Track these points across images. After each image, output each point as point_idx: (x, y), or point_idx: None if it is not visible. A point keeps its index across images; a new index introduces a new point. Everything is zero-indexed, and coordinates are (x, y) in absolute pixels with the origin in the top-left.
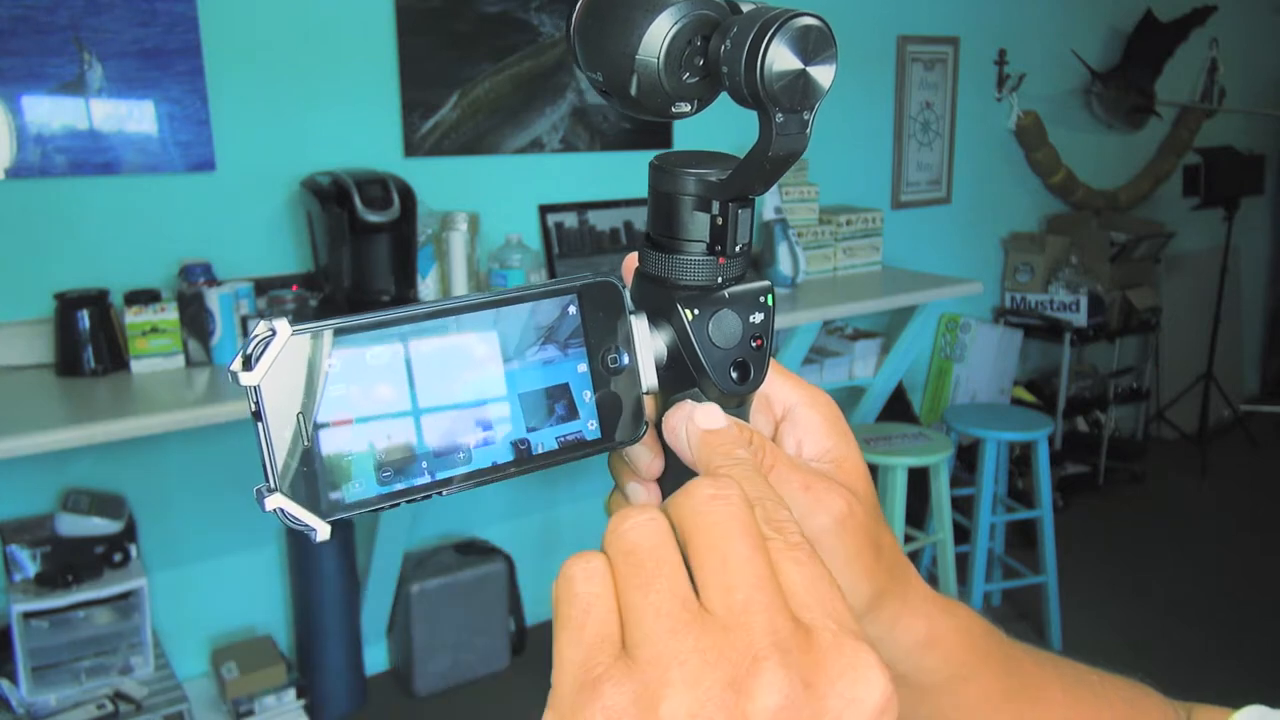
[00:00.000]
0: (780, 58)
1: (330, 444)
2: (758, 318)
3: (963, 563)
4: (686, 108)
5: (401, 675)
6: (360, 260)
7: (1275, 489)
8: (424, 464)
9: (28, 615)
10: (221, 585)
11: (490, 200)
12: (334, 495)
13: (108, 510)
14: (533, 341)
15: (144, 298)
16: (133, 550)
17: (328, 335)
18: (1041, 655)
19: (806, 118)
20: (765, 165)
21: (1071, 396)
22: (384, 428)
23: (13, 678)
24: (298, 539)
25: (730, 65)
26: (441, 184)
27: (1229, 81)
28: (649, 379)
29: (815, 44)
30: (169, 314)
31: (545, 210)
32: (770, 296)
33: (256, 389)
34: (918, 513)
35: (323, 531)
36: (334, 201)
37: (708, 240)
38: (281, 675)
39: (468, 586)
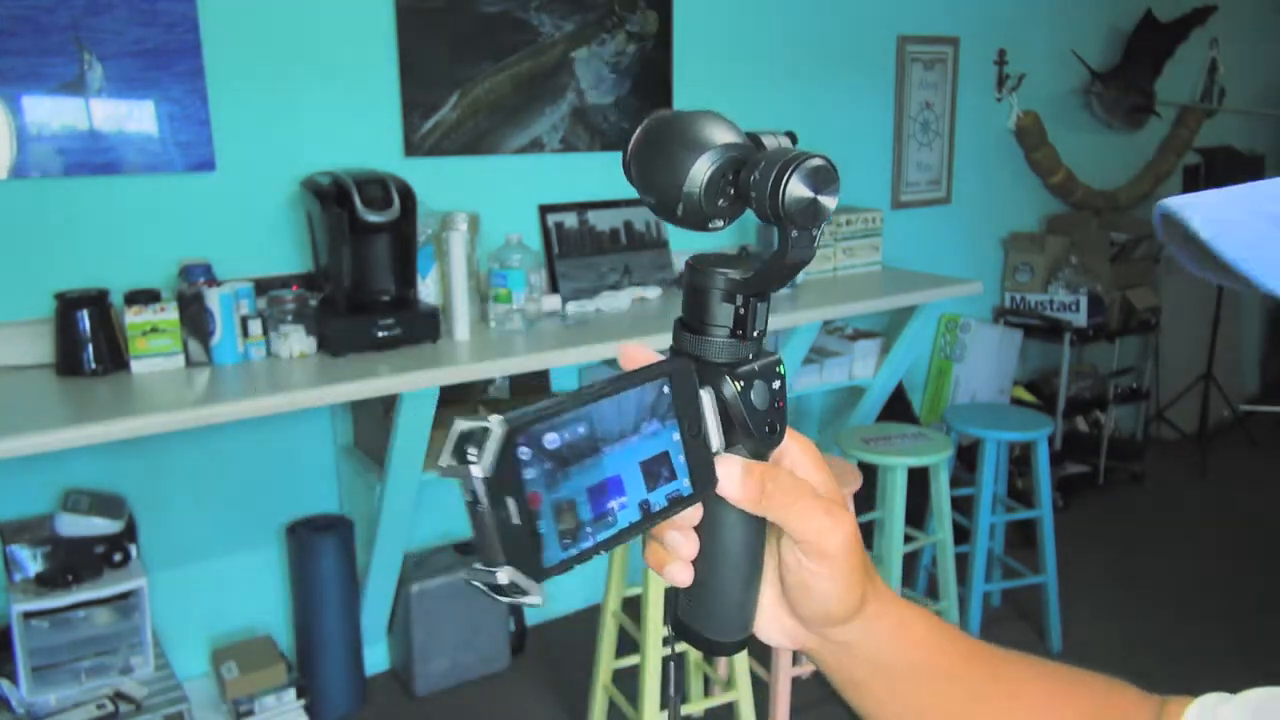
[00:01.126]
0: (797, 189)
1: (532, 520)
2: (776, 384)
3: (963, 563)
4: (720, 224)
5: (401, 675)
6: (360, 260)
7: (1275, 489)
8: (588, 529)
9: (28, 615)
10: (221, 585)
11: (490, 200)
12: (539, 563)
13: (108, 510)
14: (643, 417)
15: (144, 298)
16: (133, 550)
17: (526, 425)
18: (1012, 653)
19: (815, 234)
20: (783, 270)
21: (1071, 396)
22: (562, 501)
23: (13, 678)
24: (298, 538)
25: (758, 193)
26: (441, 184)
27: (1229, 81)
28: (718, 442)
29: (824, 179)
30: (169, 314)
31: (545, 210)
32: (782, 366)
33: (485, 480)
34: (918, 513)
35: (541, 597)
36: (334, 201)
37: (731, 326)
38: (281, 675)
39: (468, 586)
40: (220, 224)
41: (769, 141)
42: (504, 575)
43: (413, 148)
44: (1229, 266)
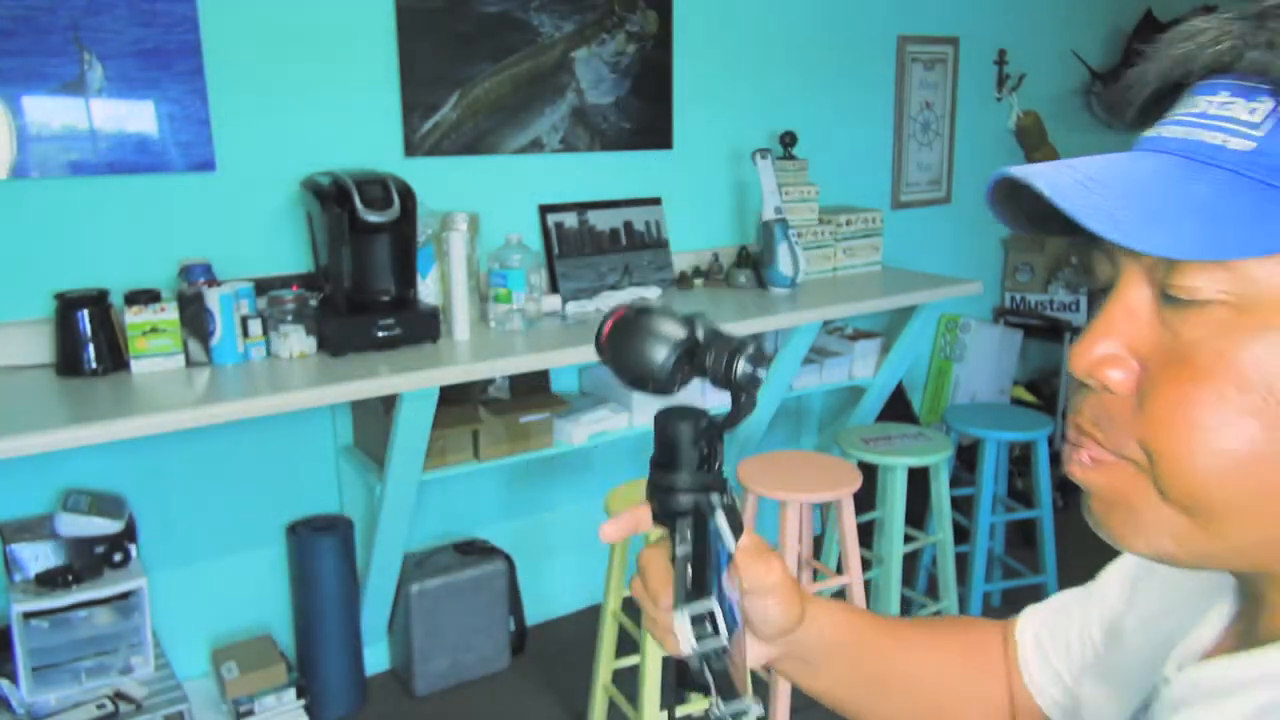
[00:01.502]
0: (744, 369)
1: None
2: (735, 499)
3: (962, 563)
4: (679, 389)
5: (401, 675)
6: (360, 260)
7: None
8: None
9: (28, 615)
10: (221, 585)
11: (490, 200)
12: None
13: (108, 510)
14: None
15: (144, 298)
16: (133, 550)
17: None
18: (904, 618)
19: (755, 394)
20: (736, 423)
21: None
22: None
23: (13, 678)
24: (298, 538)
25: (713, 370)
26: (441, 184)
27: None
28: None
29: (760, 359)
30: (169, 314)
31: (545, 210)
32: (735, 486)
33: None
34: (918, 513)
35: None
36: (334, 201)
37: (698, 462)
38: (281, 675)
39: (468, 586)
40: (220, 224)
41: (700, 326)
42: (756, 707)
43: (413, 148)
44: (1052, 216)
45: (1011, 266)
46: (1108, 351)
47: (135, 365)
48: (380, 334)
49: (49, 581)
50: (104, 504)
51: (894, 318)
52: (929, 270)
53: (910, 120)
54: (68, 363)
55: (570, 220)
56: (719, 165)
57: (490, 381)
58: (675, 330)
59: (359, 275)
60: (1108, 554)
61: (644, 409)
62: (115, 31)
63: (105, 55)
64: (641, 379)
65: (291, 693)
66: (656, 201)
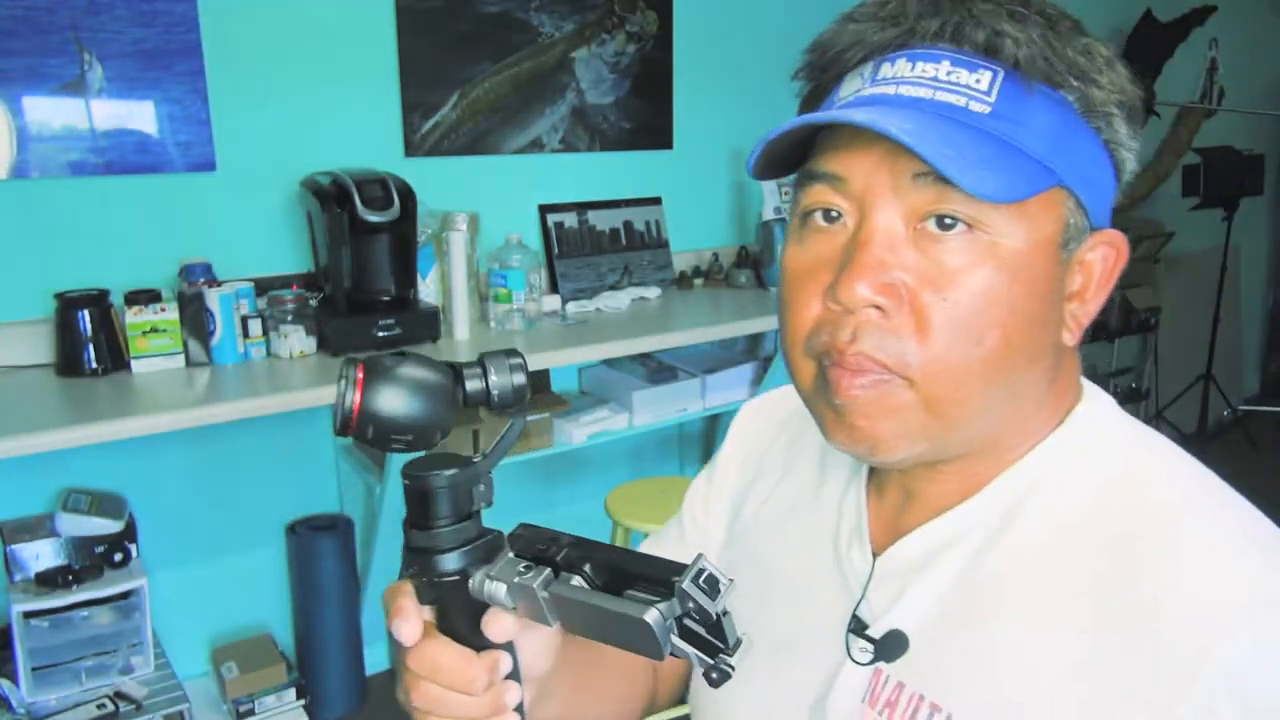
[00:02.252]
0: (499, 380)
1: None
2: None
3: None
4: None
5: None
6: (360, 260)
7: (1275, 489)
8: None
9: (28, 615)
10: (221, 585)
11: (490, 200)
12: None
13: (108, 510)
14: None
15: (144, 298)
16: (133, 550)
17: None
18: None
19: (523, 411)
20: (502, 453)
21: None
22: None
23: (13, 678)
24: (298, 538)
25: (499, 397)
26: (441, 184)
27: (1229, 81)
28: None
29: (516, 362)
30: (169, 314)
31: (545, 210)
32: None
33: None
34: None
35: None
36: (334, 201)
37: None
38: (281, 675)
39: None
40: (220, 224)
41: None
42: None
43: (413, 148)
44: (778, 162)
45: None
46: (881, 280)
47: (135, 365)
48: (380, 334)
49: (49, 581)
50: (104, 504)
51: None
52: None
53: None
54: (68, 363)
55: (570, 220)
56: (719, 165)
57: None
58: (439, 372)
59: (359, 275)
60: None
61: (644, 409)
62: (115, 31)
63: (105, 55)
64: (419, 440)
65: (291, 692)
66: (656, 201)
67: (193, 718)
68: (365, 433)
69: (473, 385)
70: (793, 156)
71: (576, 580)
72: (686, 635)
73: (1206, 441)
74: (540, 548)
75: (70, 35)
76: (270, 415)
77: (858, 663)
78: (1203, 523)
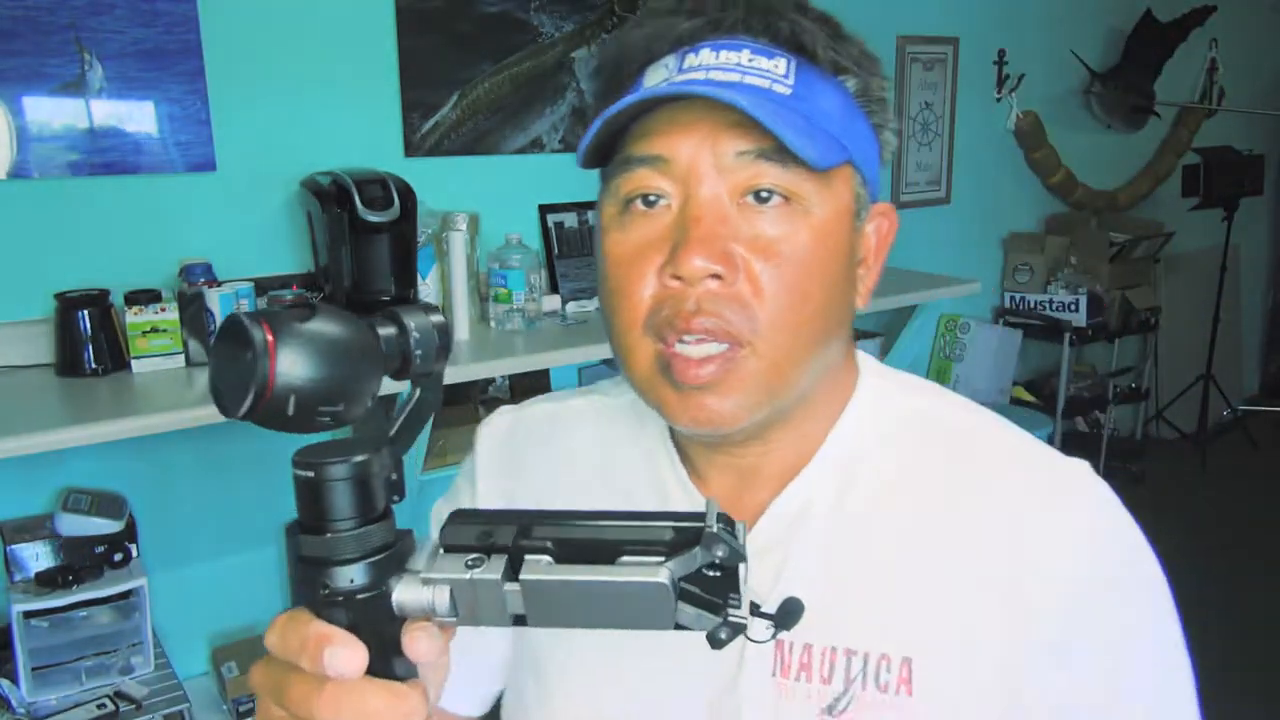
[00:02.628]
0: (421, 330)
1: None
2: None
3: None
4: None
5: None
6: (360, 260)
7: (1275, 489)
8: None
9: (28, 615)
10: (221, 585)
11: (490, 200)
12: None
13: (108, 510)
14: None
15: (144, 298)
16: (133, 550)
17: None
18: None
19: (439, 384)
20: (414, 434)
21: (1071, 396)
22: None
23: (13, 678)
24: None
25: (421, 340)
26: (441, 184)
27: (1229, 81)
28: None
29: (434, 315)
30: (169, 314)
31: (545, 210)
32: None
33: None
34: None
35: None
36: (334, 201)
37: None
38: None
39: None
40: (220, 224)
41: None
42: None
43: (413, 148)
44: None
45: (1011, 266)
46: (717, 250)
47: (135, 365)
48: None
49: (49, 581)
50: (104, 504)
51: (894, 318)
52: (929, 270)
53: (910, 120)
54: (68, 363)
55: (570, 220)
56: None
57: (490, 381)
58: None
59: (359, 275)
60: None
61: None
62: (115, 31)
63: (105, 55)
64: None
65: None
66: None
67: (193, 718)
68: (284, 409)
69: (386, 331)
70: (605, 147)
71: (545, 560)
72: (685, 597)
73: (1206, 441)
74: (483, 532)
75: (70, 35)
76: None
77: (758, 641)
78: (998, 436)
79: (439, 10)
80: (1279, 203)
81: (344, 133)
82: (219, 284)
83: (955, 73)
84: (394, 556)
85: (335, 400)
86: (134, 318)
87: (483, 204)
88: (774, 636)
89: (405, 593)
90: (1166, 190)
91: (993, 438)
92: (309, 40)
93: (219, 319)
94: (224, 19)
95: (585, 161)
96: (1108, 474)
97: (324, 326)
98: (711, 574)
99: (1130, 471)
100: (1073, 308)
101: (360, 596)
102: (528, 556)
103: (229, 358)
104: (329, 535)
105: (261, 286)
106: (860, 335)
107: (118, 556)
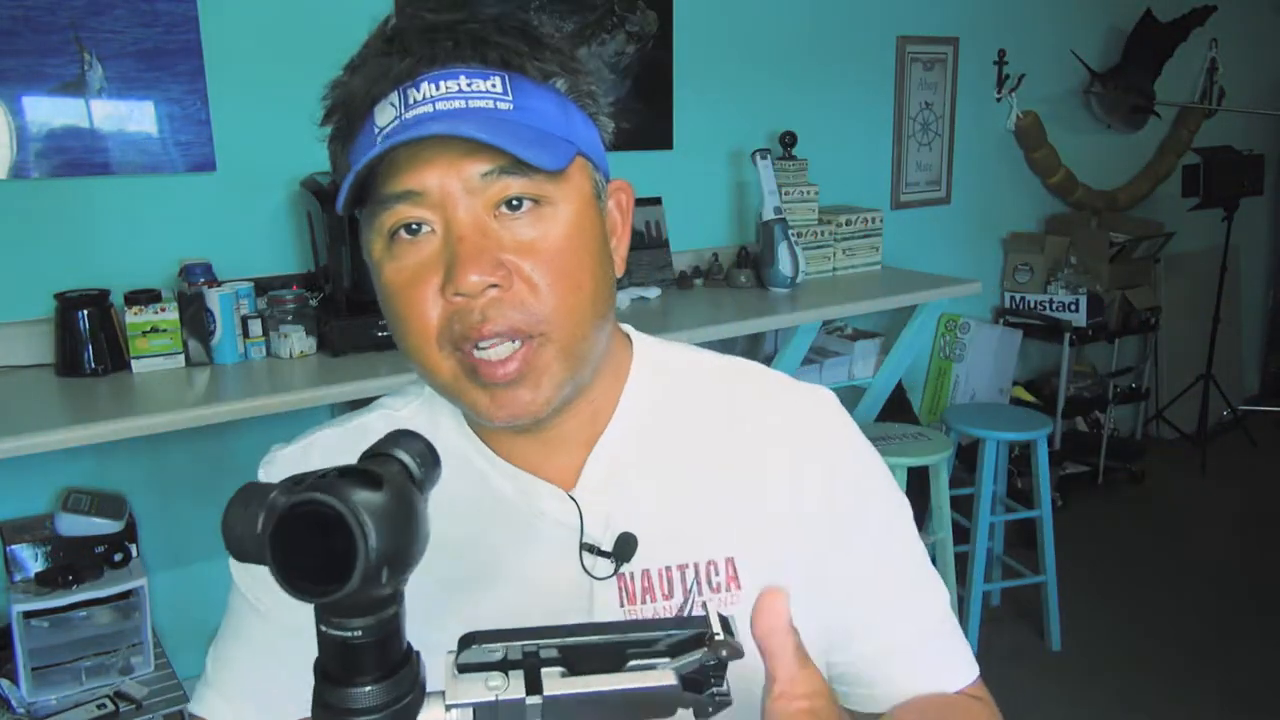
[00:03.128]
0: None
1: None
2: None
3: (962, 562)
4: None
5: None
6: (360, 260)
7: (1275, 489)
8: None
9: (28, 615)
10: (221, 585)
11: None
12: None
13: (108, 510)
14: None
15: (144, 298)
16: (133, 550)
17: None
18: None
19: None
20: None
21: (1071, 396)
22: None
23: (13, 678)
24: None
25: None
26: None
27: (1229, 81)
28: None
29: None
30: (169, 314)
31: None
32: None
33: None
34: (918, 512)
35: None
36: (334, 201)
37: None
38: None
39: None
40: (220, 224)
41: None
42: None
43: None
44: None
45: (1011, 266)
46: (487, 263)
47: (135, 365)
48: (380, 334)
49: (49, 581)
50: (104, 504)
51: (894, 318)
52: (929, 270)
53: (910, 120)
54: (68, 363)
55: None
56: (719, 165)
57: None
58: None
59: (359, 275)
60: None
61: None
62: (115, 31)
63: (105, 55)
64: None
65: None
66: (657, 201)
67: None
68: (378, 581)
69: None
70: (358, 191)
71: (559, 671)
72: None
73: (1206, 441)
74: (496, 652)
75: (70, 35)
76: (270, 415)
77: (601, 577)
78: (753, 371)
79: (439, 10)
80: (1279, 203)
81: None
82: (219, 284)
83: (955, 73)
84: (417, 695)
85: (412, 564)
86: (134, 318)
87: None
88: (616, 570)
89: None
90: (1166, 190)
91: (750, 373)
92: (309, 40)
93: (219, 319)
94: (224, 19)
95: (345, 209)
96: (1107, 474)
97: (396, 498)
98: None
99: (1130, 471)
100: (1073, 308)
101: None
102: (544, 670)
103: (306, 545)
104: (356, 689)
105: (261, 286)
106: (860, 335)
107: (118, 556)
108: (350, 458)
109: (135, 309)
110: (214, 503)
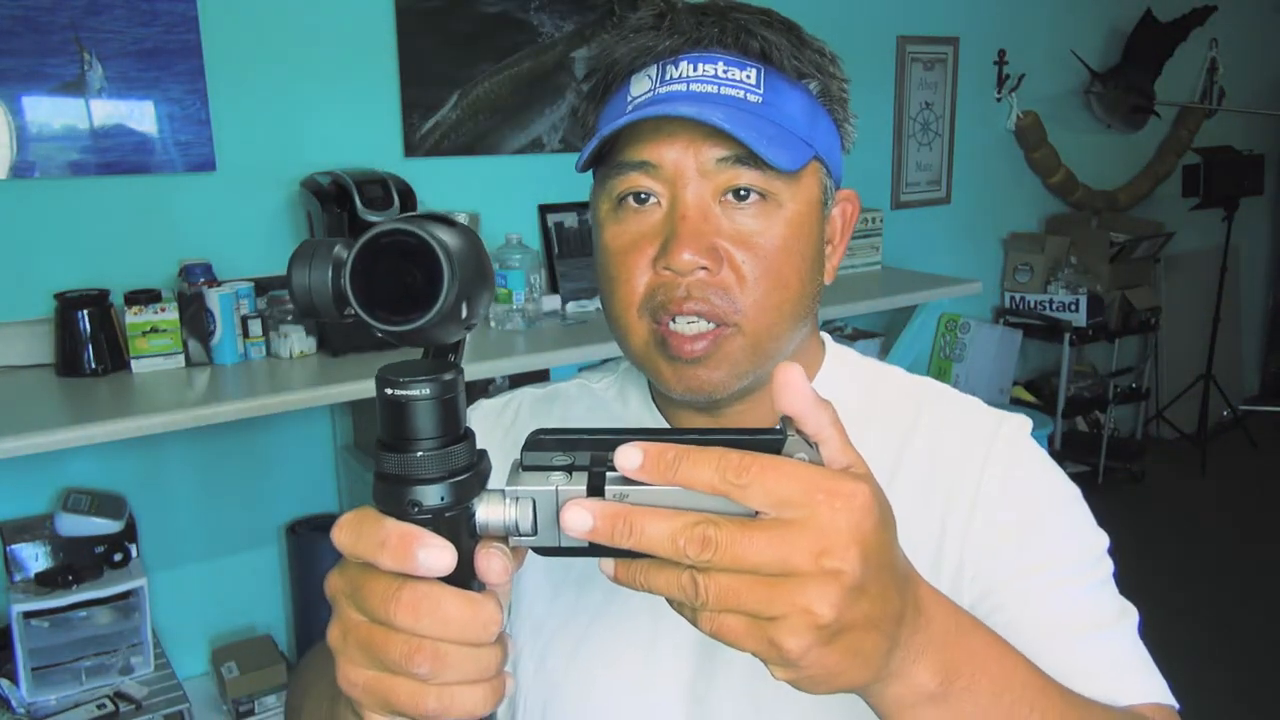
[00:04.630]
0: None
1: None
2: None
3: None
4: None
5: None
6: None
7: (1275, 489)
8: None
9: (28, 615)
10: (221, 585)
11: (490, 200)
12: None
13: (108, 510)
14: None
15: (144, 298)
16: (133, 550)
17: None
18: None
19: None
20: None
21: (1071, 396)
22: None
23: (13, 678)
24: (298, 538)
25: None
26: (441, 184)
27: (1229, 81)
28: None
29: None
30: (169, 314)
31: (545, 210)
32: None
33: None
34: None
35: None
36: (334, 201)
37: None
38: (281, 675)
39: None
40: (220, 224)
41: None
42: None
43: (413, 148)
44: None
45: (1011, 266)
46: (702, 245)
47: (135, 365)
48: (380, 334)
49: (49, 581)
50: (104, 504)
51: (894, 318)
52: (929, 270)
53: (910, 120)
54: (68, 363)
55: (570, 220)
56: None
57: (490, 381)
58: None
59: None
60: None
61: None
62: (115, 31)
63: (105, 55)
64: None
65: None
66: None
67: (193, 718)
68: (458, 314)
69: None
70: (599, 151)
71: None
72: None
73: (1206, 441)
74: (563, 454)
75: (70, 35)
76: (270, 415)
77: None
78: (943, 391)
79: (439, 10)
80: (1279, 203)
81: (344, 133)
82: (219, 284)
83: (955, 73)
84: (476, 475)
85: (483, 305)
86: (134, 318)
87: (483, 204)
88: None
89: (488, 510)
90: (1166, 190)
91: (938, 391)
92: (309, 40)
93: (219, 319)
94: (224, 19)
95: (584, 166)
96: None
97: (468, 238)
98: None
99: (1130, 471)
100: (1073, 308)
101: (448, 514)
102: (609, 474)
103: (391, 270)
104: (419, 454)
105: (261, 286)
106: (861, 335)
107: (118, 556)
108: (545, 419)
109: (135, 309)
110: (214, 503)
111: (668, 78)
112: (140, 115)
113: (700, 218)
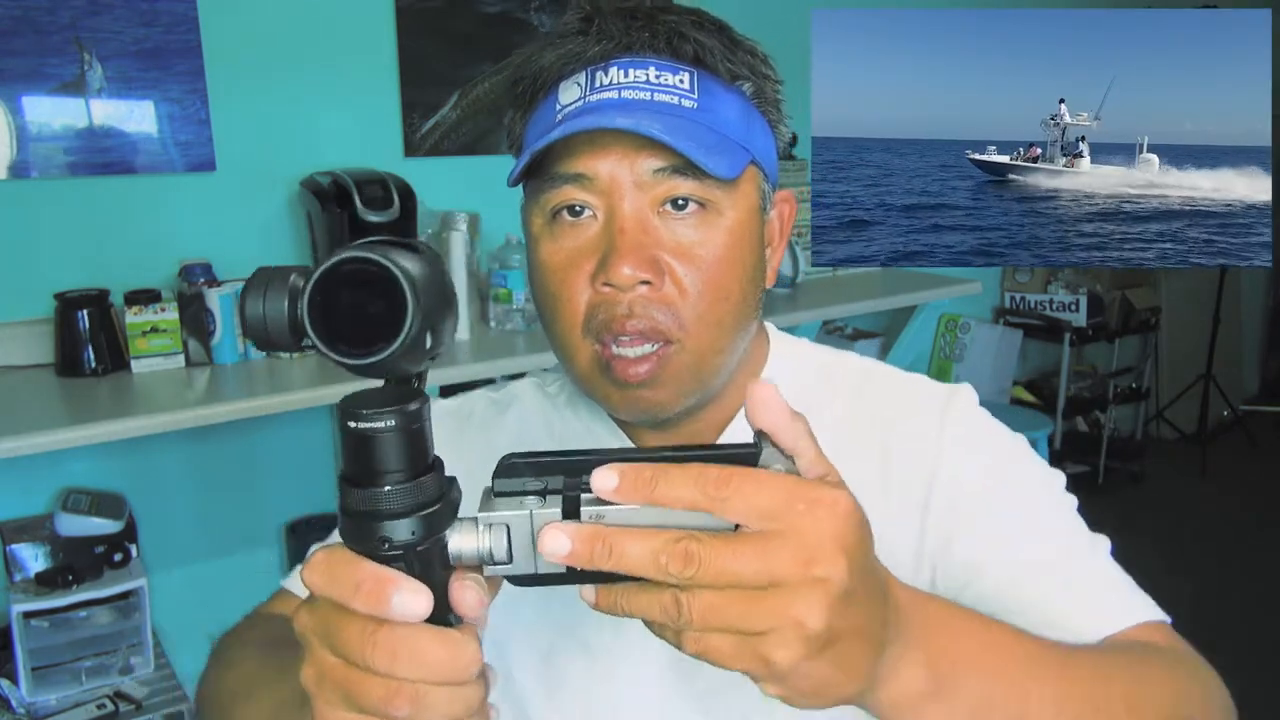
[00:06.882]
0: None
1: None
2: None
3: None
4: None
5: None
6: None
7: (1275, 489)
8: None
9: (28, 615)
10: (222, 585)
11: (490, 200)
12: None
13: (108, 510)
14: None
15: (144, 298)
16: (133, 550)
17: None
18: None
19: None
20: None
21: (1071, 396)
22: None
23: (13, 678)
24: (298, 538)
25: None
26: (441, 184)
27: None
28: None
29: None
30: (169, 314)
31: None
32: None
33: None
34: None
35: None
36: (334, 201)
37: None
38: None
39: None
40: (220, 224)
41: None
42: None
43: (413, 148)
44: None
45: (1011, 267)
46: (643, 258)
47: (135, 365)
48: None
49: (49, 581)
50: (104, 504)
51: (894, 318)
52: (929, 270)
53: None
54: (68, 363)
55: None
56: None
57: (490, 381)
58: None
59: None
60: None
61: None
62: (115, 31)
63: (105, 55)
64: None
65: None
66: None
67: (193, 718)
68: (422, 345)
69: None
70: (533, 162)
71: (596, 501)
72: None
73: (1207, 441)
74: (535, 478)
75: (70, 35)
76: (270, 415)
77: None
78: (891, 374)
79: (439, 10)
80: (1279, 203)
81: (344, 133)
82: (219, 284)
83: None
84: (448, 504)
85: (447, 336)
86: (134, 318)
87: (483, 204)
88: None
89: (461, 539)
90: None
91: (891, 373)
92: (309, 40)
93: (219, 319)
94: (224, 19)
95: (515, 182)
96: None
97: (432, 265)
98: None
99: (1130, 471)
100: (1073, 308)
101: (420, 549)
102: (584, 495)
103: (351, 301)
104: (387, 488)
105: None
106: (860, 335)
107: (117, 556)
108: (499, 425)
109: (135, 309)
110: (214, 503)
111: (598, 84)
112: (140, 115)
113: (639, 230)
